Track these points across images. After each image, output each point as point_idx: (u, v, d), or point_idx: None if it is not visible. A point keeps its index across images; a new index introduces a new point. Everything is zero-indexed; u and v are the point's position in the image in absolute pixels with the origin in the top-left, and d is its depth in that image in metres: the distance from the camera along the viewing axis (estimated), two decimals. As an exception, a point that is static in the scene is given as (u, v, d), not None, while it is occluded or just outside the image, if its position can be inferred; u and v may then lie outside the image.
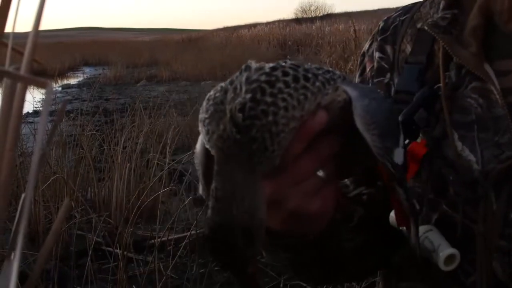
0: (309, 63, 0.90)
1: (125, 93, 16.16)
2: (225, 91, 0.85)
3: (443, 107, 1.10)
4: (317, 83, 0.84)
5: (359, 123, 0.86)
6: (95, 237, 4.29)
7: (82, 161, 5.68)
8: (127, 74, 22.13)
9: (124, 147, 5.84)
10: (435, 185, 1.10)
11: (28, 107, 11.21)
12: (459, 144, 1.08)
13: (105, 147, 6.23)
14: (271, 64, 0.85)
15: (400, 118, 1.07)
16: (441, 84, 1.12)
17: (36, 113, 11.24)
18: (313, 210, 0.92)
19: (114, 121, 7.38)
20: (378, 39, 1.28)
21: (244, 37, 34.58)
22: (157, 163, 5.74)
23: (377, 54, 1.27)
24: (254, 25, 46.48)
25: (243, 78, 0.83)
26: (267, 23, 48.92)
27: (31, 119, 9.49)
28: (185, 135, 8.21)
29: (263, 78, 0.82)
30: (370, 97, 0.89)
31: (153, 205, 5.16)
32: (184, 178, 5.42)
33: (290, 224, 0.95)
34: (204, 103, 0.88)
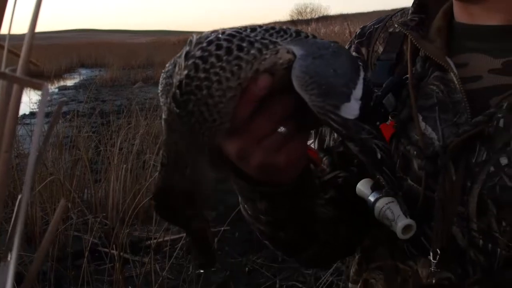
0: (257, 26, 0.96)
1: (121, 95, 16.15)
2: (174, 64, 0.91)
3: (409, 94, 1.25)
4: (252, 51, 0.88)
5: (295, 85, 0.90)
6: (91, 238, 4.30)
7: (79, 163, 5.68)
8: (124, 76, 22.16)
9: (121, 149, 5.85)
10: (401, 162, 1.22)
11: (24, 109, 11.18)
12: (422, 124, 1.22)
13: (102, 149, 6.24)
14: (209, 37, 0.90)
15: (371, 102, 1.16)
16: (408, 75, 1.28)
17: (32, 114, 11.21)
18: (279, 163, 0.99)
19: (110, 123, 7.38)
20: (355, 42, 1.47)
21: (240, 39, 34.58)
22: (153, 164, 5.75)
23: (353, 54, 1.43)
24: (251, 27, 46.52)
25: (183, 53, 0.88)
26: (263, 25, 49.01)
27: (27, 121, 9.46)
28: (181, 136, 8.22)
29: (198, 53, 0.87)
30: (317, 54, 0.93)
31: (149, 206, 5.17)
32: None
33: (262, 174, 1.02)
34: (161, 76, 0.96)
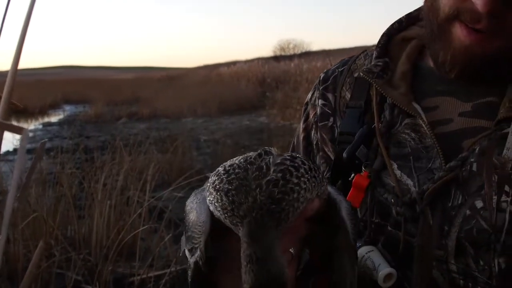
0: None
1: (105, 131, 16.12)
2: (245, 169, 1.00)
3: (379, 142, 1.29)
4: (319, 176, 1.02)
5: (345, 214, 1.07)
6: (74, 275, 4.27)
7: (62, 199, 5.65)
8: (108, 112, 22.11)
9: (104, 184, 5.83)
10: (379, 210, 1.26)
11: (7, 145, 11.13)
12: (398, 172, 1.26)
13: (85, 185, 6.21)
14: (288, 153, 1.03)
15: (344, 155, 1.29)
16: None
17: (16, 151, 11.16)
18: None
19: (94, 159, 7.36)
20: (320, 88, 1.48)
21: (224, 75, 34.68)
22: (137, 201, 5.74)
23: (319, 102, 1.46)
24: (234, 63, 46.67)
25: (270, 160, 0.99)
26: (246, 61, 49.19)
27: (11, 157, 9.44)
28: (165, 172, 8.22)
29: (288, 163, 0.98)
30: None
31: (133, 243, 5.15)
32: (164, 215, 5.42)
33: None
34: (218, 178, 1.03)
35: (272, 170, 0.97)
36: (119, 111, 22.46)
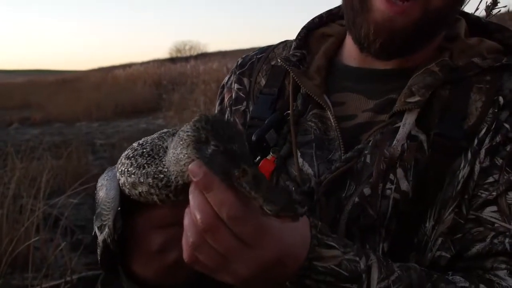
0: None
1: (-5, 137, 15.49)
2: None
3: (290, 130, 1.33)
4: None
5: None
6: (-36, 290, 4.07)
7: (-51, 210, 5.38)
8: (-3, 117, 21.26)
9: (-5, 193, 5.60)
10: None
11: None
12: (300, 160, 1.29)
13: (-26, 194, 5.94)
14: None
15: (253, 137, 1.31)
16: (289, 111, 1.35)
17: None
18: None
19: (-17, 167, 7.06)
20: (237, 72, 1.52)
21: (119, 77, 34.07)
22: (31, 209, 5.54)
23: (235, 86, 1.50)
24: (129, 65, 45.95)
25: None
26: (142, 63, 48.58)
27: None
28: (60, 178, 7.98)
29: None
30: None
31: (28, 253, 4.97)
32: (60, 222, 5.26)
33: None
34: (131, 149, 1.12)
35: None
36: (10, 116, 21.64)
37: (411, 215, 1.21)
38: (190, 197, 0.93)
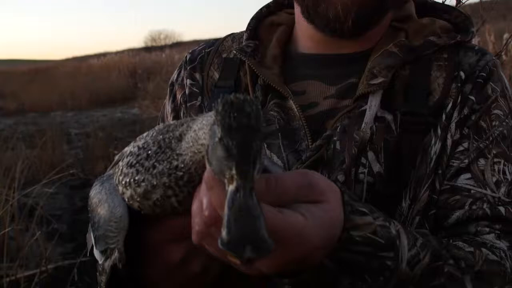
0: None
1: (-33, 128, 15.31)
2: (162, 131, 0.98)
3: None
4: None
5: None
6: None
7: None
8: (-31, 108, 20.98)
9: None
10: None
11: None
12: (268, 152, 1.27)
13: None
14: None
15: None
16: None
17: None
18: None
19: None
20: (188, 68, 1.50)
21: (94, 67, 33.75)
22: (6, 199, 5.51)
23: (188, 81, 1.48)
24: (104, 55, 45.58)
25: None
26: (117, 52, 48.27)
27: None
28: (34, 168, 7.93)
29: None
30: None
31: (3, 242, 4.94)
32: (35, 212, 5.24)
33: None
34: (133, 156, 0.97)
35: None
36: (-18, 107, 21.39)
37: (386, 197, 1.22)
38: (203, 181, 0.85)
